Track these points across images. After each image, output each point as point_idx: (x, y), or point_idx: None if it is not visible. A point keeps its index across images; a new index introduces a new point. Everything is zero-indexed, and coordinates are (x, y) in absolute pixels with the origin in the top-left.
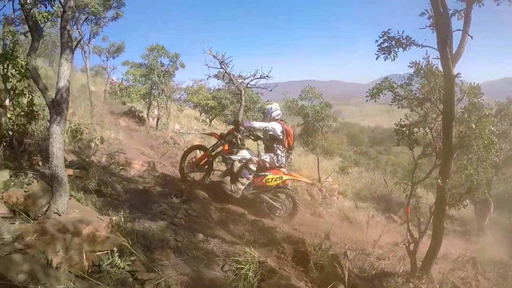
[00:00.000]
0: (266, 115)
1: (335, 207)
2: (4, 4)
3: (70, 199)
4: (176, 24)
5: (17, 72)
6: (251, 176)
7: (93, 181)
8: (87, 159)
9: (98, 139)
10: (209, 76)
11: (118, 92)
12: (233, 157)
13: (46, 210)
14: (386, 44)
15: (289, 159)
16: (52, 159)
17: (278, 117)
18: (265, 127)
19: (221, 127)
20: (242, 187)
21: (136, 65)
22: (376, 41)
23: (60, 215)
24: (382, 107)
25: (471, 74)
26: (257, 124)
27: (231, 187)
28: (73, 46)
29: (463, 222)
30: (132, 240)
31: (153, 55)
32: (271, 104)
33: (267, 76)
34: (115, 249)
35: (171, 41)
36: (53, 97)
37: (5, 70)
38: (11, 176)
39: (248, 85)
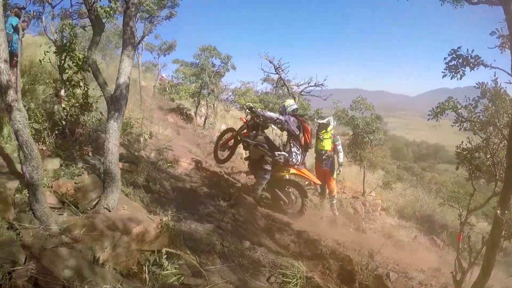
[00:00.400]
0: (282, 113)
1: (378, 223)
2: None
3: (120, 193)
4: (228, 25)
5: (74, 64)
6: (267, 176)
7: (142, 176)
8: (136, 153)
9: (147, 134)
10: (264, 81)
11: (167, 89)
12: (249, 140)
13: (96, 204)
14: (453, 62)
15: (305, 158)
16: (107, 155)
17: (293, 112)
18: (277, 118)
19: (266, 131)
20: (260, 188)
21: (186, 63)
22: (445, 58)
23: (110, 211)
24: (429, 122)
25: None
26: (269, 114)
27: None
28: (135, 43)
29: (506, 252)
30: (179, 241)
31: (205, 55)
32: (286, 101)
33: (321, 84)
34: (163, 250)
35: (221, 41)
36: (112, 92)
37: (62, 61)
38: (61, 165)
39: (302, 93)
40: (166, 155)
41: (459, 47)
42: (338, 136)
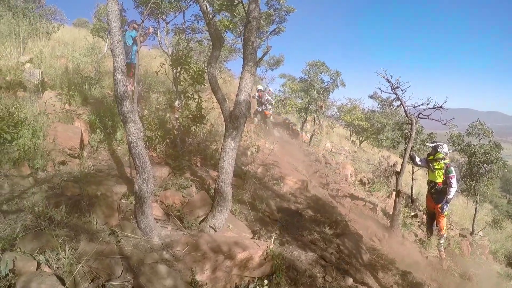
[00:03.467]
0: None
1: (483, 268)
2: (175, 15)
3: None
4: (335, 40)
5: (189, 76)
6: None
7: (248, 192)
8: (243, 167)
9: (255, 148)
10: (381, 101)
11: (273, 103)
12: None
13: (202, 221)
14: None
15: None
16: (221, 174)
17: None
18: None
19: (370, 151)
20: None
21: (292, 78)
22: None
23: (215, 231)
24: None
25: None
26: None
27: None
28: (257, 59)
29: None
30: (282, 271)
31: (314, 71)
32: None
33: (441, 106)
34: (265, 282)
35: (329, 55)
36: (231, 109)
37: (178, 74)
38: (169, 174)
39: (420, 116)
40: (273, 171)
41: None
42: (452, 168)
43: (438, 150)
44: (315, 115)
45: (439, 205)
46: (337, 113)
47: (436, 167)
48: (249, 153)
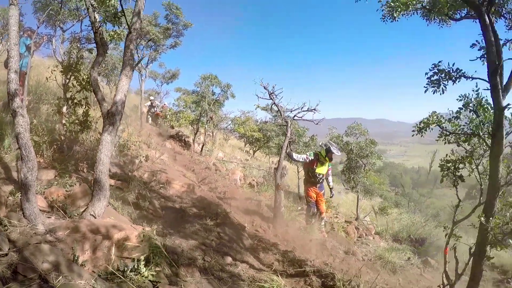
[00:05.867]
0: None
1: (371, 246)
2: (73, 24)
3: (108, 206)
4: (230, 55)
5: (78, 83)
6: None
7: (133, 193)
8: (130, 173)
9: (143, 157)
10: (258, 106)
11: (168, 116)
12: None
13: (83, 211)
14: (436, 77)
15: None
16: (98, 165)
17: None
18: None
19: (263, 159)
20: None
21: (188, 92)
22: (426, 73)
23: (95, 218)
24: (428, 148)
25: None
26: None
27: None
28: (134, 65)
29: (503, 270)
30: (160, 253)
31: (206, 84)
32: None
33: (314, 109)
34: (142, 257)
35: (224, 71)
36: (109, 108)
37: (67, 80)
38: (55, 176)
39: (295, 117)
40: (159, 177)
41: (439, 61)
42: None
43: (334, 152)
44: (206, 127)
45: (323, 191)
46: (231, 125)
47: (326, 163)
48: (137, 161)
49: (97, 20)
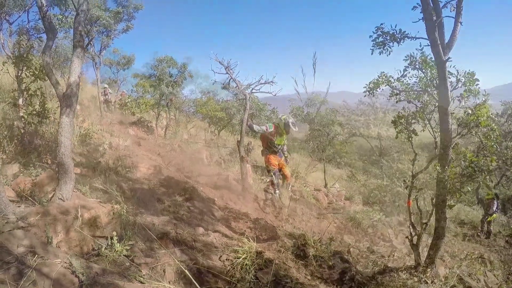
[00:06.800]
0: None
1: (341, 211)
2: (19, 15)
3: (75, 191)
4: (188, 35)
5: (31, 73)
6: None
7: (99, 179)
8: (95, 161)
9: (107, 144)
10: (215, 81)
11: (127, 104)
12: None
13: (52, 197)
14: (380, 39)
15: None
16: (60, 147)
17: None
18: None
19: (229, 138)
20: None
21: (145, 77)
22: (370, 36)
23: (64, 201)
24: (394, 114)
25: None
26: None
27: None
28: (84, 45)
29: (472, 226)
30: (133, 229)
31: (162, 66)
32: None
33: (271, 81)
34: (114, 233)
35: (181, 52)
36: (64, 91)
37: (20, 71)
38: (20, 169)
39: (253, 91)
40: (125, 162)
41: (382, 24)
42: None
43: (291, 126)
44: (167, 109)
45: (282, 158)
46: (194, 107)
47: (284, 135)
48: (101, 149)
49: (44, 5)
